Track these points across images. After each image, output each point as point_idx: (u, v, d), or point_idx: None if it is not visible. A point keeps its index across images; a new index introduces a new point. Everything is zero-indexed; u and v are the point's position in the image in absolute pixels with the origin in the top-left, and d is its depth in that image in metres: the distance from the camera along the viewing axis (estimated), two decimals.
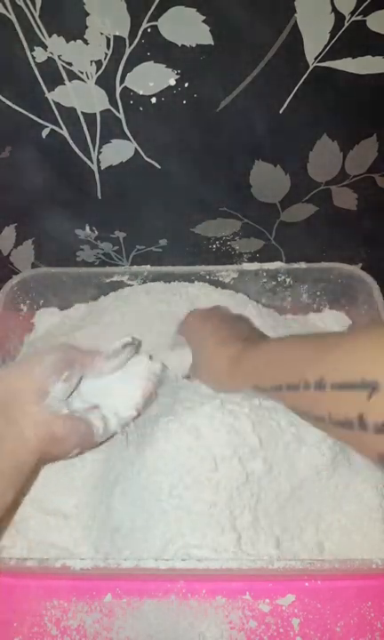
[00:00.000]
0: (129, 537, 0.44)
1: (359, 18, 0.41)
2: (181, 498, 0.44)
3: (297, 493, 0.46)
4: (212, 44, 0.43)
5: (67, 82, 0.46)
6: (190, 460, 0.44)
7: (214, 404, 0.45)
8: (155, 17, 0.41)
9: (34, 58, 0.44)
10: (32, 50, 0.44)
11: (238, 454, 0.45)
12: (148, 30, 0.42)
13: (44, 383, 0.41)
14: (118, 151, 0.52)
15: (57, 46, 0.43)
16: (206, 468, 0.44)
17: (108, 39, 0.43)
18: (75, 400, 0.44)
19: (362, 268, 0.64)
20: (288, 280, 0.66)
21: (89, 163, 0.54)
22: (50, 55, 0.44)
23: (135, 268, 0.65)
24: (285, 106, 0.48)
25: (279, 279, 0.66)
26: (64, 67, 0.45)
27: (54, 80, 0.46)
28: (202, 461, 0.44)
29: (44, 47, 0.43)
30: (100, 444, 0.45)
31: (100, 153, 0.53)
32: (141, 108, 0.48)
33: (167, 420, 0.45)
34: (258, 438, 0.44)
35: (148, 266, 0.65)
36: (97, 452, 0.49)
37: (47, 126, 0.50)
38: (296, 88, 0.47)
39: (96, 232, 0.62)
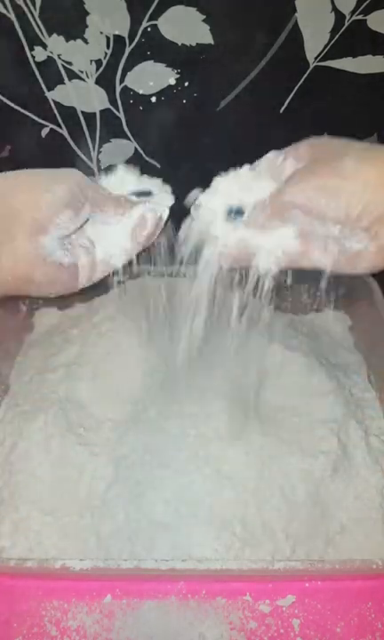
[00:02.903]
0: (129, 537, 0.44)
1: (359, 17, 0.41)
2: (183, 500, 0.44)
3: (297, 494, 0.46)
4: (212, 43, 0.43)
5: (66, 81, 0.46)
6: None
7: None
8: (155, 16, 0.41)
9: (34, 57, 0.44)
10: (32, 49, 0.44)
11: (243, 461, 0.45)
12: (148, 29, 0.42)
13: (47, 217, 0.34)
14: (118, 151, 0.52)
15: (57, 46, 0.43)
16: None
17: (108, 38, 0.43)
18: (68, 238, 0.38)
19: None
20: (288, 280, 0.65)
21: (89, 162, 0.54)
22: (50, 54, 0.44)
23: (135, 267, 0.65)
24: (285, 106, 0.48)
25: (279, 279, 0.65)
26: (64, 66, 0.45)
27: (54, 79, 0.46)
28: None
29: (44, 47, 0.43)
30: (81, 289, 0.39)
31: (99, 152, 0.53)
32: (141, 108, 0.48)
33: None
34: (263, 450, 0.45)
35: (148, 266, 0.65)
36: (97, 452, 0.49)
37: (47, 126, 0.50)
38: (296, 88, 0.47)
39: None
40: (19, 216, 0.34)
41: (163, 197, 0.41)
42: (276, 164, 0.37)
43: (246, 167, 0.38)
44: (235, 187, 0.38)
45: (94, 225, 0.39)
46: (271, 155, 0.38)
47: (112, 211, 0.38)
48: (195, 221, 0.39)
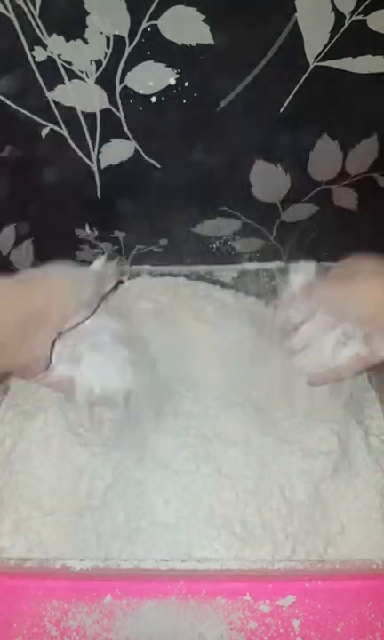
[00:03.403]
0: (129, 537, 0.44)
1: (359, 17, 0.41)
2: (183, 500, 0.44)
3: (297, 495, 0.46)
4: (212, 43, 0.43)
5: (66, 81, 0.46)
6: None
7: None
8: (155, 16, 0.41)
9: (34, 57, 0.44)
10: (32, 49, 0.43)
11: (243, 462, 0.45)
12: (148, 29, 0.42)
13: (68, 317, 0.41)
14: (118, 151, 0.52)
15: (57, 45, 0.43)
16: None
17: (108, 38, 0.43)
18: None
19: None
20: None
21: (89, 162, 0.54)
22: (50, 54, 0.44)
23: (135, 267, 0.65)
24: (285, 105, 0.48)
25: (279, 279, 0.65)
26: (64, 66, 0.45)
27: (54, 79, 0.46)
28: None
29: (44, 46, 0.43)
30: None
31: (99, 152, 0.53)
32: (141, 108, 0.48)
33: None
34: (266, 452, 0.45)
35: (148, 266, 0.65)
36: (97, 452, 0.49)
37: (47, 126, 0.50)
38: (296, 88, 0.47)
39: (96, 232, 0.62)
40: (48, 317, 0.39)
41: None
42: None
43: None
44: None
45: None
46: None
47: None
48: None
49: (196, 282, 0.65)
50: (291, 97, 0.47)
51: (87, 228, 0.62)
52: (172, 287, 0.64)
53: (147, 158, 0.53)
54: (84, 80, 0.46)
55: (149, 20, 0.41)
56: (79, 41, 0.43)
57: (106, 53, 0.44)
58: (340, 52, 0.44)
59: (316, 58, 0.44)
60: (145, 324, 0.61)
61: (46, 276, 0.41)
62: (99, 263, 0.46)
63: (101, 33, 0.42)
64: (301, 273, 0.46)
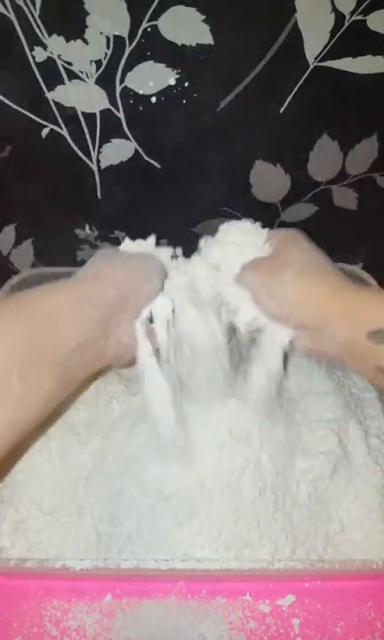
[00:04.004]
0: (129, 537, 0.44)
1: (359, 17, 0.41)
2: (183, 500, 0.44)
3: (297, 495, 0.46)
4: (212, 43, 0.43)
5: (67, 81, 0.46)
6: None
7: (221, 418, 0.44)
8: (155, 16, 0.41)
9: (34, 57, 0.44)
10: (32, 49, 0.43)
11: (243, 461, 0.44)
12: (148, 30, 0.42)
13: (144, 304, 0.41)
14: (118, 151, 0.52)
15: (57, 46, 0.43)
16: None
17: (108, 39, 0.43)
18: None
19: (362, 268, 0.64)
20: None
21: (89, 162, 0.54)
22: (50, 55, 0.44)
23: None
24: (285, 106, 0.48)
25: None
26: (64, 66, 0.45)
27: (54, 80, 0.46)
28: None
29: (44, 47, 0.43)
30: None
31: (99, 153, 0.53)
32: (141, 108, 0.48)
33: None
34: (265, 452, 0.44)
35: None
36: (97, 452, 0.49)
37: (47, 126, 0.50)
38: (296, 88, 0.47)
39: (96, 232, 0.62)
40: (127, 304, 0.40)
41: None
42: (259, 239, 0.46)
43: (243, 223, 0.46)
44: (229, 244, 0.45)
45: None
46: (254, 227, 0.47)
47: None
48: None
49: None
50: (291, 97, 0.47)
51: (87, 228, 0.62)
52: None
53: (147, 158, 0.53)
54: (83, 80, 0.46)
55: (149, 20, 0.41)
56: (79, 41, 0.43)
57: (106, 53, 0.44)
58: (340, 52, 0.44)
59: (316, 58, 0.44)
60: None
61: (112, 268, 0.41)
62: (150, 244, 0.47)
63: (101, 33, 0.42)
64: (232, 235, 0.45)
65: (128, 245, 0.46)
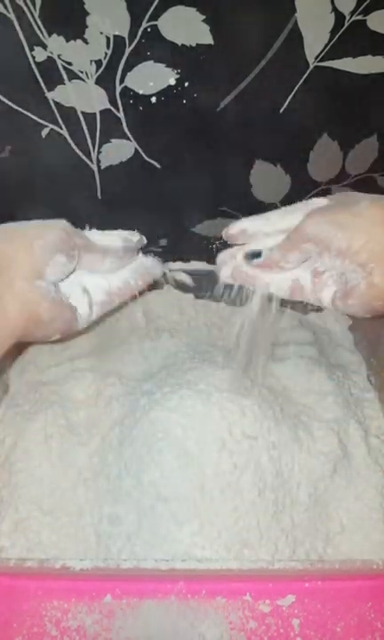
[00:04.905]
0: (129, 537, 0.44)
1: (359, 17, 0.41)
2: (183, 500, 0.44)
3: (297, 495, 0.46)
4: (212, 43, 0.43)
5: (66, 81, 0.46)
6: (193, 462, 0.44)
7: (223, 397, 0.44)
8: (155, 16, 0.41)
9: (34, 57, 0.44)
10: (32, 49, 0.43)
11: (243, 461, 0.44)
12: (148, 30, 0.42)
13: (41, 261, 0.36)
14: (118, 151, 0.52)
15: (57, 46, 0.43)
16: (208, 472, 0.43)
17: (108, 39, 0.43)
18: (63, 283, 0.40)
19: None
20: None
21: (89, 162, 0.54)
22: (50, 55, 0.44)
23: None
24: (285, 106, 0.48)
25: None
26: (64, 66, 0.45)
27: (54, 80, 0.46)
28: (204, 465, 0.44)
29: (44, 47, 0.43)
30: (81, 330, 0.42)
31: (99, 153, 0.53)
32: (141, 108, 0.48)
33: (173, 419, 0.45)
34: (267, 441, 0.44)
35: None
36: (96, 451, 0.49)
37: (47, 126, 0.50)
38: (296, 88, 0.47)
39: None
40: (14, 263, 0.35)
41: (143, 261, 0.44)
42: (292, 214, 0.39)
43: (273, 213, 0.41)
44: (258, 230, 0.40)
45: (82, 273, 0.41)
46: (296, 206, 0.41)
47: (100, 257, 0.41)
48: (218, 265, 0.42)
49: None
50: (291, 97, 0.47)
51: (87, 228, 0.62)
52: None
53: (147, 158, 0.53)
54: (83, 80, 0.46)
55: (149, 20, 0.41)
56: (79, 41, 0.43)
57: (106, 53, 0.44)
58: (340, 52, 0.44)
59: (316, 58, 0.44)
60: (144, 322, 0.61)
61: (4, 226, 0.38)
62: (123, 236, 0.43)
63: (101, 33, 0.42)
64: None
65: (93, 235, 0.43)
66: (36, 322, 0.37)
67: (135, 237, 0.43)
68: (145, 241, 0.44)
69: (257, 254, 0.39)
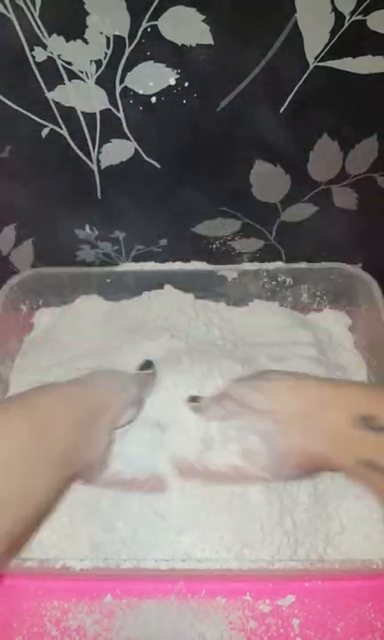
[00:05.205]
0: (129, 537, 0.44)
1: (359, 17, 0.41)
2: (183, 499, 0.44)
3: (297, 495, 0.46)
4: (212, 43, 0.43)
5: (66, 81, 0.46)
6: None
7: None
8: (155, 16, 0.41)
9: (34, 57, 0.44)
10: (32, 49, 0.43)
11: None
12: (148, 30, 0.42)
13: (120, 413, 0.43)
14: (118, 151, 0.52)
15: (57, 46, 0.43)
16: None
17: (108, 39, 0.43)
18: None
19: (362, 268, 0.64)
20: (288, 280, 0.66)
21: (89, 162, 0.54)
22: (50, 55, 0.44)
23: (135, 265, 0.65)
24: (285, 106, 0.48)
25: (279, 279, 0.66)
26: (64, 66, 0.45)
27: (54, 80, 0.46)
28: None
29: (44, 47, 0.43)
30: None
31: (99, 153, 0.53)
32: (141, 108, 0.48)
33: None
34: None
35: (152, 262, 0.65)
36: None
37: (47, 126, 0.50)
38: (296, 88, 0.47)
39: (96, 232, 0.62)
40: (103, 413, 0.41)
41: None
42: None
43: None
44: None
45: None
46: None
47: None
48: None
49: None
50: (291, 97, 0.47)
51: (87, 228, 0.62)
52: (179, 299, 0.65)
53: (147, 158, 0.53)
54: (83, 80, 0.46)
55: (149, 20, 0.41)
56: (79, 41, 0.43)
57: (106, 53, 0.44)
58: (340, 52, 0.44)
59: (316, 58, 0.44)
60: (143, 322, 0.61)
61: (94, 378, 0.44)
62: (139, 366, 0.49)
63: (101, 33, 0.42)
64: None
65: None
66: (89, 468, 0.42)
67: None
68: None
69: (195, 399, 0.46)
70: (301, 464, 0.40)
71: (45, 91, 0.47)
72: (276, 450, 0.40)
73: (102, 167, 0.54)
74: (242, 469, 0.41)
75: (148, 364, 0.49)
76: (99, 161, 0.53)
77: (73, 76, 0.45)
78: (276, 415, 0.40)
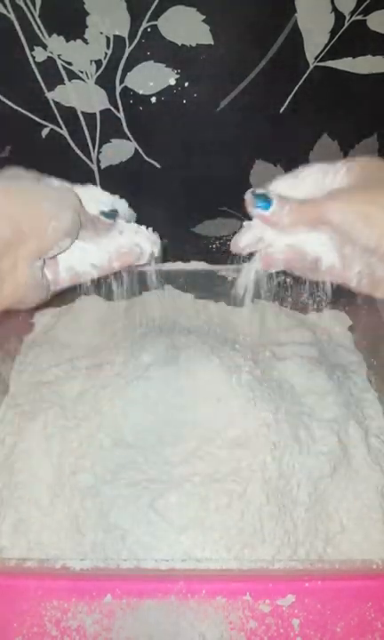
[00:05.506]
0: (129, 537, 0.44)
1: (359, 17, 0.41)
2: (183, 499, 0.44)
3: (297, 495, 0.46)
4: (212, 43, 0.43)
5: (66, 81, 0.46)
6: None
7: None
8: (155, 16, 0.41)
9: (34, 57, 0.44)
10: (32, 49, 0.44)
11: (245, 462, 0.44)
12: (148, 30, 0.42)
13: (49, 244, 0.35)
14: (118, 151, 0.52)
15: (57, 46, 0.43)
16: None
17: (108, 39, 0.43)
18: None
19: None
20: (288, 280, 0.66)
21: (89, 162, 0.54)
22: (50, 55, 0.44)
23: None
24: (285, 106, 0.48)
25: (279, 279, 0.66)
26: (64, 66, 0.45)
27: (54, 80, 0.46)
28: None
29: (44, 47, 0.43)
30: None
31: (99, 153, 0.53)
32: (141, 108, 0.48)
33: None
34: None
35: (148, 266, 0.65)
36: (97, 452, 0.49)
37: (47, 126, 0.50)
38: (296, 88, 0.47)
39: None
40: (25, 242, 0.34)
41: (148, 236, 0.42)
42: (323, 176, 0.36)
43: (308, 172, 0.37)
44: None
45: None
46: (317, 167, 0.37)
47: (92, 232, 0.39)
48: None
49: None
50: (291, 97, 0.47)
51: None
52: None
53: (147, 158, 0.53)
54: (83, 80, 0.46)
55: (149, 20, 0.41)
56: (79, 41, 0.43)
57: (106, 53, 0.44)
58: (340, 52, 0.44)
59: (316, 58, 0.44)
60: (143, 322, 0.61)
61: (9, 197, 0.35)
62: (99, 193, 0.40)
63: (101, 33, 0.42)
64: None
65: (93, 192, 0.40)
66: (19, 302, 0.36)
67: (121, 205, 0.42)
68: (134, 215, 0.43)
69: (265, 199, 0.35)
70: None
71: (45, 91, 0.47)
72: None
73: (102, 167, 0.54)
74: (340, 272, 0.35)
75: (111, 214, 0.40)
76: (99, 161, 0.53)
77: (73, 76, 0.46)
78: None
